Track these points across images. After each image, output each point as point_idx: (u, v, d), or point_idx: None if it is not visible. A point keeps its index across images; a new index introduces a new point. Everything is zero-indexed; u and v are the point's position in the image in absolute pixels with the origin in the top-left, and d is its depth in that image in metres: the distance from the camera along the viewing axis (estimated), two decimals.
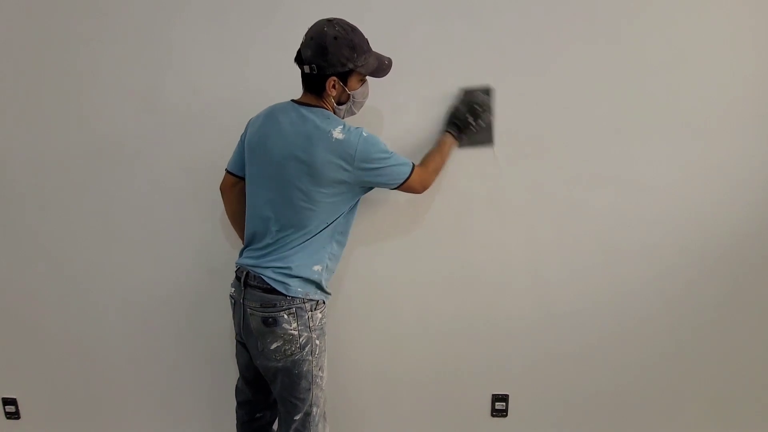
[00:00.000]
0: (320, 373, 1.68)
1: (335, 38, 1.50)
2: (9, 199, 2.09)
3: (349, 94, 1.60)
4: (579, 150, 1.93)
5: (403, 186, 1.65)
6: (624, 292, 2.03)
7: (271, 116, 1.62)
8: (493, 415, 2.16)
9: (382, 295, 2.08)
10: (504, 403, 2.15)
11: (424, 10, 1.86)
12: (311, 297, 1.62)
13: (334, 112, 1.63)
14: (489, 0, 1.84)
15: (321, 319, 1.66)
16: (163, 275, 2.11)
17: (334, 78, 1.54)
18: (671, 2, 1.82)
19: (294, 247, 1.59)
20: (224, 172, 1.78)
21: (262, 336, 1.61)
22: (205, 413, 2.24)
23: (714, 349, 2.06)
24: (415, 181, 1.66)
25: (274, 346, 1.60)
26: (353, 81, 1.59)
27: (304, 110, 1.57)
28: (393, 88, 1.87)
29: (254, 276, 1.61)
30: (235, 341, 1.78)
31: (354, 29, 1.55)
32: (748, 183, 1.92)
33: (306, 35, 1.54)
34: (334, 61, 1.51)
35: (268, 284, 1.58)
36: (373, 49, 1.61)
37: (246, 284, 1.63)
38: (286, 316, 1.58)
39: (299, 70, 1.59)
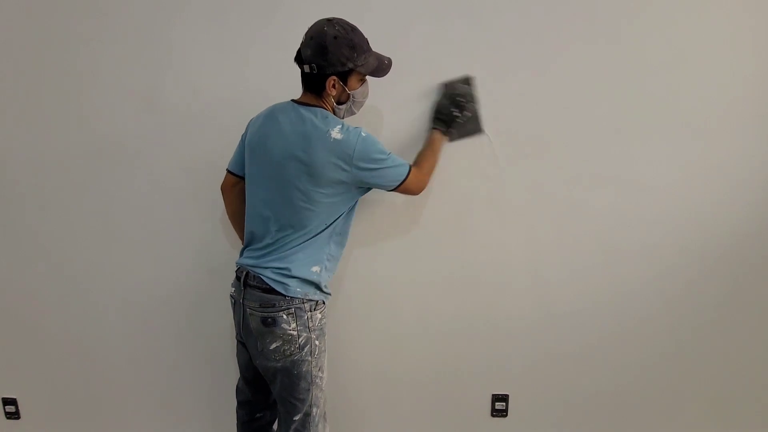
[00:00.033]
0: (320, 374, 1.68)
1: (335, 38, 1.51)
2: (9, 199, 2.09)
3: (349, 94, 1.60)
4: (579, 150, 1.93)
5: (401, 187, 1.65)
6: (624, 292, 2.03)
7: (271, 116, 1.62)
8: (493, 415, 2.16)
9: (382, 295, 2.08)
10: (504, 403, 2.15)
11: (424, 10, 1.86)
12: (310, 297, 1.62)
13: (334, 112, 1.63)
14: (489, 0, 1.84)
15: (321, 319, 1.66)
16: (163, 275, 2.11)
17: (334, 77, 1.54)
18: (671, 2, 1.82)
19: (293, 248, 1.59)
20: (224, 172, 1.78)
21: (261, 336, 1.61)
22: (205, 413, 2.24)
23: (714, 349, 2.06)
24: (412, 183, 1.67)
25: (273, 346, 1.60)
26: (353, 80, 1.59)
27: (303, 110, 1.57)
28: (393, 88, 1.87)
29: (254, 276, 1.61)
30: (235, 341, 1.78)
31: (354, 29, 1.55)
32: (748, 183, 1.92)
33: (306, 35, 1.54)
34: (334, 60, 1.51)
35: (268, 284, 1.58)
36: (373, 49, 1.61)
37: (246, 284, 1.63)
38: (285, 317, 1.58)
39: (299, 70, 1.59)
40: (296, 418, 1.68)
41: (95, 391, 2.25)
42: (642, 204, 1.95)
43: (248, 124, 1.70)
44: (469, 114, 1.87)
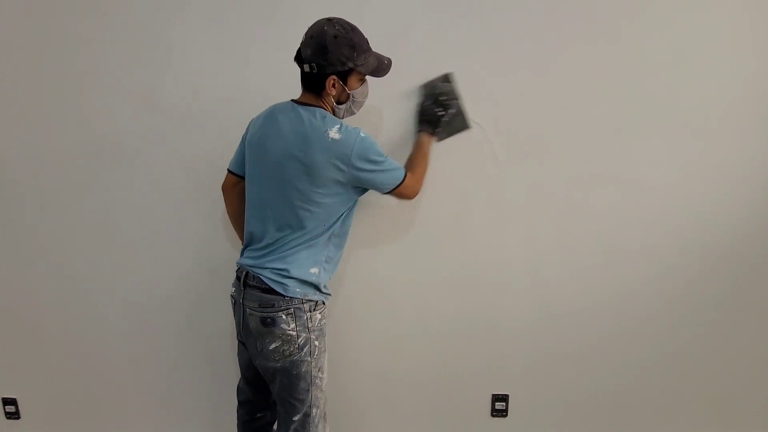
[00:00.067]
0: (320, 374, 1.68)
1: (335, 37, 1.51)
2: (9, 199, 2.09)
3: (348, 94, 1.60)
4: (579, 150, 1.93)
5: (396, 191, 1.66)
6: (624, 292, 2.03)
7: (270, 116, 1.62)
8: (493, 415, 2.16)
9: (382, 295, 2.08)
10: (504, 403, 2.15)
11: (424, 10, 1.86)
12: (310, 298, 1.62)
13: (333, 112, 1.63)
14: (489, 0, 1.84)
15: (320, 320, 1.66)
16: (163, 275, 2.11)
17: (334, 77, 1.54)
18: (671, 2, 1.82)
19: (292, 248, 1.59)
20: (224, 171, 1.78)
21: (260, 336, 1.61)
22: (205, 413, 2.24)
23: (714, 349, 2.06)
24: (407, 187, 1.67)
25: (272, 346, 1.60)
26: (353, 80, 1.59)
27: (302, 110, 1.57)
28: (393, 88, 1.87)
29: (253, 276, 1.61)
30: (236, 341, 1.78)
31: (354, 28, 1.55)
32: (748, 183, 1.92)
33: (306, 34, 1.54)
34: (334, 60, 1.51)
35: (267, 284, 1.58)
36: (373, 49, 1.61)
37: (245, 284, 1.63)
38: (284, 317, 1.58)
39: (299, 70, 1.59)
40: (295, 418, 1.67)
41: (95, 391, 2.25)
42: (642, 204, 1.95)
43: (249, 124, 1.70)
44: (454, 111, 1.86)
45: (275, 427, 1.89)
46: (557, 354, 2.09)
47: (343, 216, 1.65)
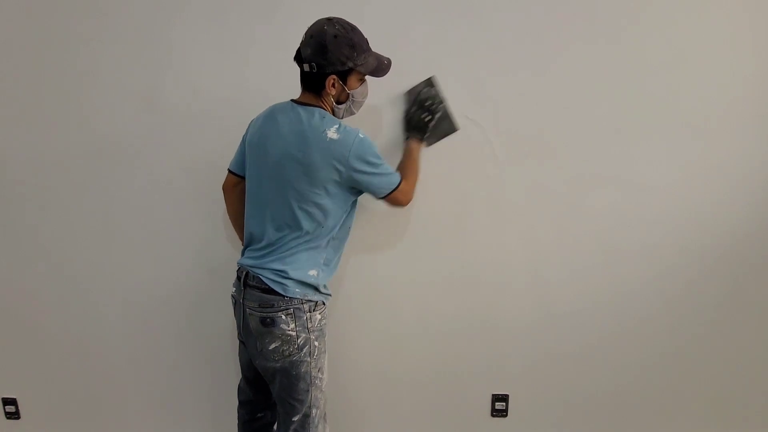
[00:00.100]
0: (319, 375, 1.68)
1: (335, 36, 1.51)
2: (9, 199, 2.09)
3: (348, 94, 1.60)
4: (579, 150, 1.93)
5: (390, 197, 1.65)
6: (624, 292, 2.03)
7: (270, 116, 1.62)
8: (493, 415, 2.16)
9: (382, 295, 2.08)
10: (504, 403, 2.15)
11: (424, 10, 1.86)
12: (309, 298, 1.62)
13: (333, 112, 1.63)
14: (489, 0, 1.84)
15: (320, 320, 1.66)
16: (163, 275, 2.11)
17: (334, 77, 1.54)
18: (671, 2, 1.82)
19: (291, 249, 1.59)
20: (224, 171, 1.78)
21: (260, 336, 1.61)
22: (205, 413, 2.24)
23: (714, 349, 2.06)
24: (401, 193, 1.67)
25: (272, 346, 1.60)
26: (353, 80, 1.59)
27: (301, 110, 1.57)
28: (393, 88, 1.87)
29: (253, 276, 1.61)
30: (237, 341, 1.78)
31: (354, 28, 1.55)
32: (748, 183, 1.92)
33: (306, 34, 1.54)
34: (333, 59, 1.51)
35: (267, 285, 1.58)
36: (373, 49, 1.61)
37: (245, 284, 1.63)
38: (284, 317, 1.58)
39: (299, 70, 1.59)
40: (295, 419, 1.67)
41: (95, 391, 2.25)
42: (642, 204, 1.95)
43: (249, 124, 1.70)
44: (440, 115, 1.87)
45: (275, 427, 1.89)
46: (557, 354, 2.09)
47: (343, 219, 1.65)
